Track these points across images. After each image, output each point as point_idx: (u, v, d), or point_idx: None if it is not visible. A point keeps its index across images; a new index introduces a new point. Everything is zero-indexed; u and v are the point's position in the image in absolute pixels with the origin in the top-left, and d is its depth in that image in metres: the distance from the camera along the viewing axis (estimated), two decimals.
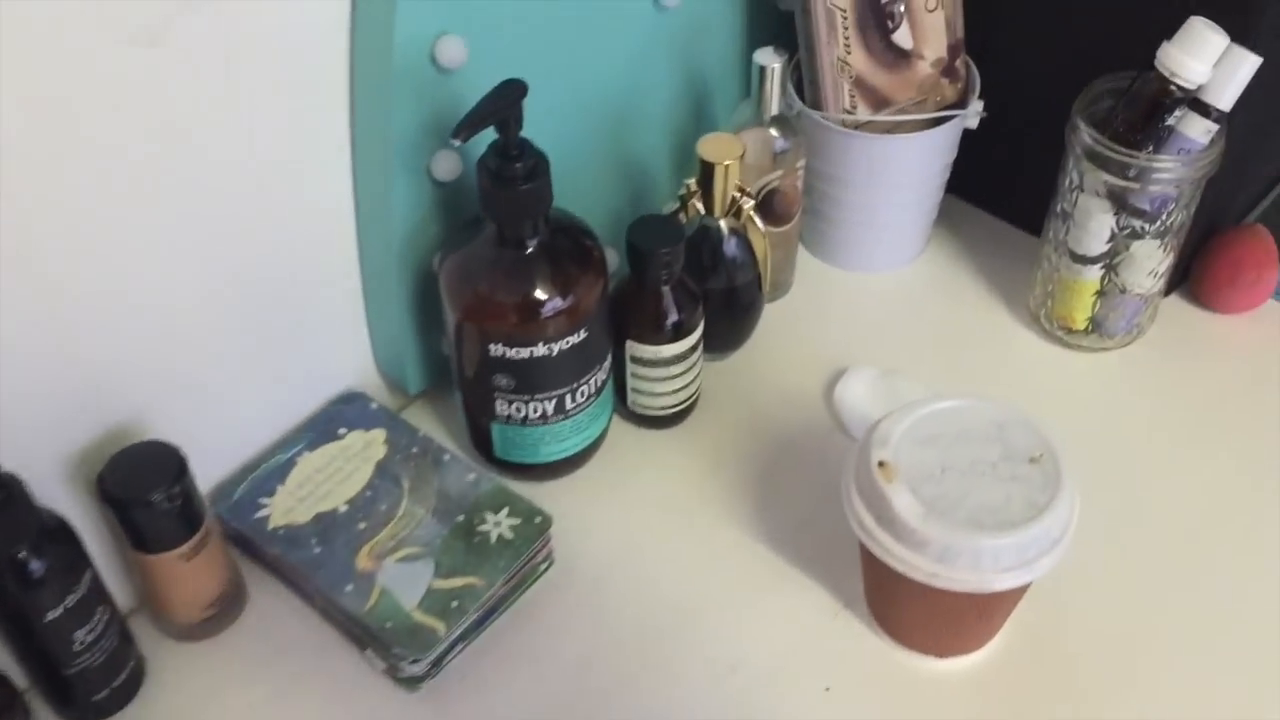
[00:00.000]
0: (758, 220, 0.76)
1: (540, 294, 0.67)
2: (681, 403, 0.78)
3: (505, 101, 0.60)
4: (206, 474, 0.71)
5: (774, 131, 0.79)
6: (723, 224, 0.77)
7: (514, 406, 0.71)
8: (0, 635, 0.61)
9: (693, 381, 0.77)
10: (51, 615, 0.59)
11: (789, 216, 0.83)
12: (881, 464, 0.63)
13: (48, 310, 0.59)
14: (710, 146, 0.74)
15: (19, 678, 0.63)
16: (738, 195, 0.75)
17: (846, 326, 0.87)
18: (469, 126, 0.59)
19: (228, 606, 0.69)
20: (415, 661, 0.65)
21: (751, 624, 0.70)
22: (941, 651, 0.68)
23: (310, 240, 0.70)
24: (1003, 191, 0.92)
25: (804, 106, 0.82)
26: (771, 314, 0.85)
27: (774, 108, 0.78)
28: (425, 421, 0.78)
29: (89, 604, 0.61)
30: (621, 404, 0.79)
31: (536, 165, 0.63)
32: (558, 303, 0.67)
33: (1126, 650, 0.68)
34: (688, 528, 0.75)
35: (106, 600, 0.62)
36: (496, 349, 0.68)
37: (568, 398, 0.71)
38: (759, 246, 0.78)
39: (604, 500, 0.76)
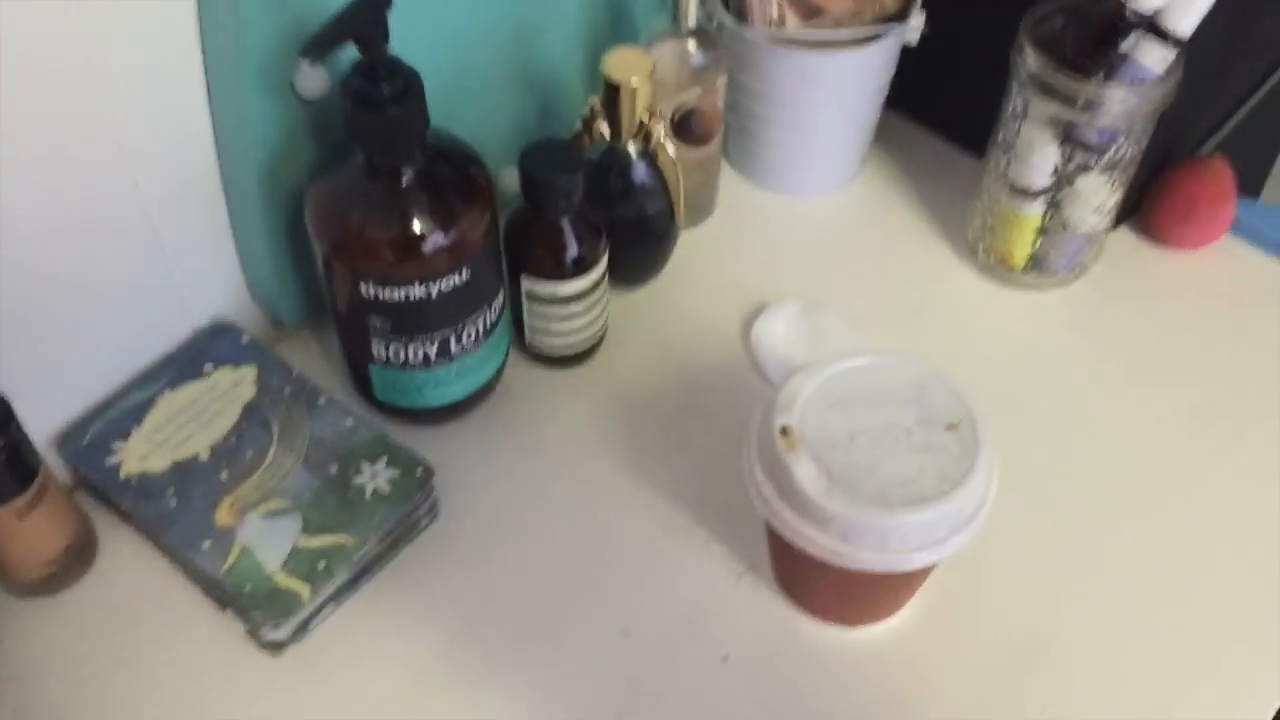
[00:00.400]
0: (669, 146, 0.69)
1: (417, 229, 0.60)
2: (584, 342, 0.72)
3: (363, 14, 0.53)
4: (53, 416, 0.65)
5: (692, 46, 0.72)
6: (631, 148, 0.70)
7: (392, 349, 0.64)
8: None
9: (596, 319, 0.71)
10: None
11: (708, 137, 0.76)
12: (784, 431, 0.57)
13: None
14: (616, 63, 0.67)
15: None
16: (647, 118, 0.68)
17: (771, 255, 0.81)
18: (320, 44, 0.52)
19: (74, 561, 0.63)
20: (277, 627, 0.60)
21: (648, 585, 0.65)
22: (850, 621, 0.64)
23: (164, 158, 0.62)
24: (947, 110, 0.85)
25: (727, 18, 0.74)
26: (690, 240, 0.79)
27: (692, 19, 0.70)
28: (305, 357, 0.71)
29: None
30: (520, 341, 0.72)
31: (407, 86, 0.56)
32: (438, 239, 0.60)
33: (1048, 618, 0.64)
34: (586, 478, 0.69)
35: None
36: (369, 289, 0.61)
37: (452, 340, 0.65)
38: (671, 173, 0.71)
39: (496, 448, 0.70)
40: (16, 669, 0.61)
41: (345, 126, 0.58)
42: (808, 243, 0.82)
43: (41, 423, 0.64)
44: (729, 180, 0.84)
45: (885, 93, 0.79)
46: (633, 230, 0.72)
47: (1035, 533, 0.67)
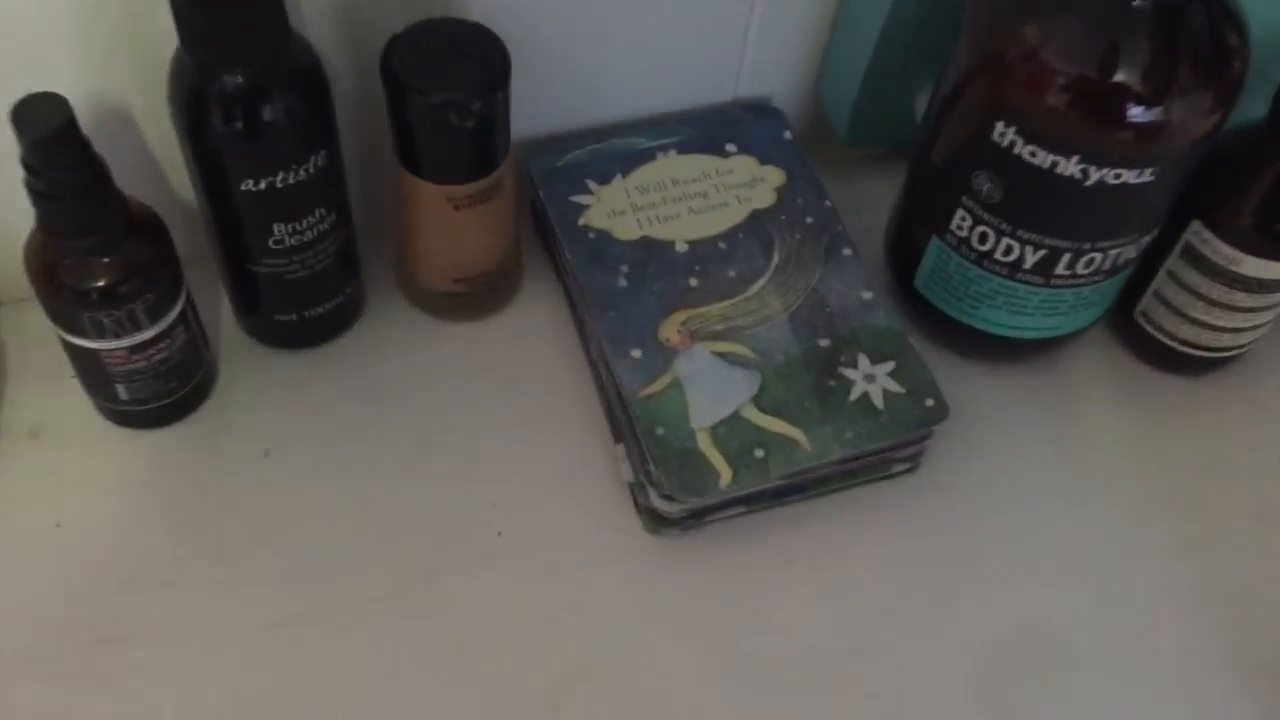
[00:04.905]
0: None
1: (1119, 76, 0.40)
2: (1209, 350, 0.50)
3: None
4: (536, 116, 0.50)
5: None
6: None
7: (979, 231, 0.45)
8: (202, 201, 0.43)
9: (1242, 331, 0.49)
10: (247, 186, 0.41)
11: None
12: None
13: None
14: None
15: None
16: None
17: None
18: None
19: (483, 294, 0.49)
20: (672, 498, 0.44)
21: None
22: None
23: None
24: None
25: None
26: None
27: None
28: (844, 195, 0.52)
29: (306, 197, 0.42)
30: (1120, 313, 0.51)
31: None
32: (1135, 107, 0.40)
33: None
34: (1097, 517, 0.49)
35: (336, 207, 0.44)
36: (1002, 130, 0.42)
37: (1065, 258, 0.45)
38: None
39: (1027, 422, 0.51)
40: (380, 369, 0.49)
41: None
42: None
43: (521, 121, 0.49)
44: None
45: None
46: None
47: None
